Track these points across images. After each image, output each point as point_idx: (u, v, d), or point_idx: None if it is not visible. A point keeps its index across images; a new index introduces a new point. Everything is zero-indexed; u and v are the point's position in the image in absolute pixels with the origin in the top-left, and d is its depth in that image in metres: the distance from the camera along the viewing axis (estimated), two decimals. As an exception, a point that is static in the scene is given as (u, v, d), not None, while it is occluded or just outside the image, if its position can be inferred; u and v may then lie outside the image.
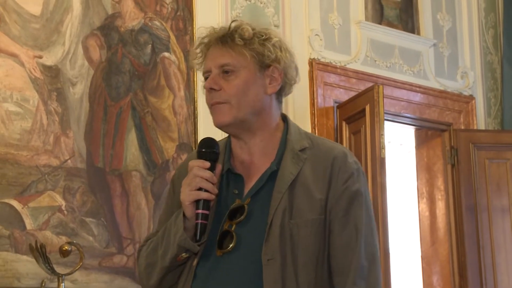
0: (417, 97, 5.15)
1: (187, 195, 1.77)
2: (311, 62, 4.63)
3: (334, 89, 4.72)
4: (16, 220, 3.40)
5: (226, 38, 1.85)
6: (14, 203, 3.42)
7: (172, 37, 4.05)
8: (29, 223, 3.43)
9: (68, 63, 3.69)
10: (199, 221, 1.78)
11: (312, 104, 4.59)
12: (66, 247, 3.30)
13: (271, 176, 1.83)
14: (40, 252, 3.24)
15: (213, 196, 1.79)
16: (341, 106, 4.68)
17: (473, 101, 5.43)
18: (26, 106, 3.52)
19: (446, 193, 5.20)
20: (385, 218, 4.30)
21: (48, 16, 3.66)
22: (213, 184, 1.79)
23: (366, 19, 4.98)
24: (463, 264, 5.06)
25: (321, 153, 1.85)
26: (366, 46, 4.94)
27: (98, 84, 3.75)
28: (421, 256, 5.31)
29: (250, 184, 1.84)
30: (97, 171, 3.68)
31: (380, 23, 5.08)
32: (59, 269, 3.28)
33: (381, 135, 4.35)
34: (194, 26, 4.13)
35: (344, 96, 4.72)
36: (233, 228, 1.80)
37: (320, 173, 1.82)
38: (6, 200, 3.40)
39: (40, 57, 3.60)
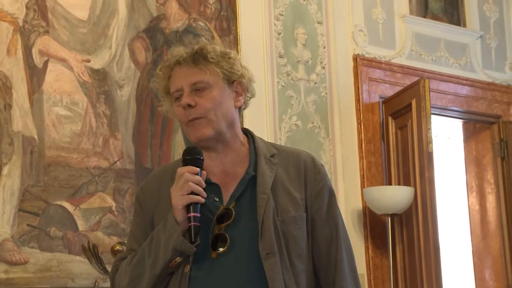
0: (464, 90, 5.08)
1: (179, 199, 1.86)
2: (356, 58, 4.61)
3: (379, 84, 4.70)
4: (68, 221, 3.48)
5: (197, 57, 1.94)
6: (66, 205, 3.49)
7: (216, 37, 4.08)
8: (81, 224, 3.50)
9: (115, 66, 3.75)
10: (192, 223, 1.86)
11: (357, 100, 4.57)
12: (117, 247, 3.35)
13: (250, 181, 1.94)
14: (92, 253, 3.30)
15: (203, 200, 1.88)
16: (386, 101, 4.65)
17: (523, 93, 5.34)
18: (76, 110, 3.59)
19: (496, 186, 5.13)
20: (434, 213, 4.26)
21: (95, 20, 3.73)
22: (202, 188, 1.88)
23: (411, 12, 4.94)
24: (515, 258, 4.99)
25: (290, 158, 2.00)
26: (411, 40, 4.90)
27: (144, 86, 3.81)
28: (472, 251, 5.25)
29: (227, 191, 1.94)
30: (146, 172, 3.73)
31: (424, 17, 5.03)
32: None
33: (428, 129, 4.31)
34: (238, 25, 4.16)
35: (389, 91, 4.69)
36: (222, 231, 1.89)
37: (293, 175, 1.97)
38: (59, 202, 3.47)
39: (88, 61, 3.67)
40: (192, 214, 1.86)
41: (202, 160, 1.92)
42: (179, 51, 1.97)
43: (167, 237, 1.87)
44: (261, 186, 1.91)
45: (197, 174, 1.88)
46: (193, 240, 1.86)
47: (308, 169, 1.97)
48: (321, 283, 1.95)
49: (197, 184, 1.87)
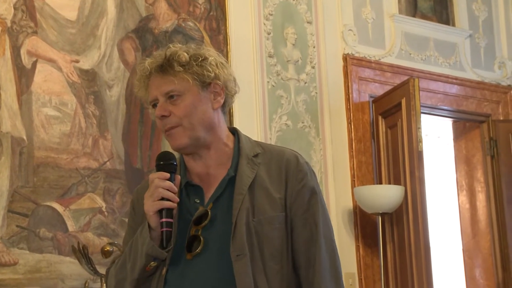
0: (454, 89, 5.10)
1: (150, 205, 1.87)
2: (345, 57, 4.61)
3: (369, 83, 4.70)
4: (58, 222, 3.47)
5: (165, 66, 1.93)
6: (56, 206, 3.48)
7: (206, 37, 4.07)
8: (71, 225, 3.49)
9: (104, 67, 3.74)
10: (164, 229, 1.87)
11: (347, 99, 4.58)
12: (107, 248, 3.34)
13: (229, 182, 1.94)
14: (82, 253, 3.29)
15: (175, 205, 1.88)
16: (376, 100, 4.66)
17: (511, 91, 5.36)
18: (65, 110, 3.58)
19: (486, 185, 5.14)
20: (425, 212, 4.28)
21: (84, 20, 3.72)
22: (173, 193, 1.88)
23: (400, 12, 4.95)
24: (506, 257, 5.00)
25: (273, 157, 1.98)
26: (400, 40, 4.91)
27: (134, 86, 3.80)
28: (463, 249, 5.26)
29: (209, 193, 1.95)
30: (136, 172, 3.72)
31: (414, 16, 5.05)
32: (101, 270, 3.33)
33: (418, 128, 4.32)
34: (227, 25, 4.15)
35: (379, 90, 4.70)
36: (199, 233, 1.90)
37: (275, 175, 1.95)
38: (48, 203, 3.46)
39: (77, 61, 3.66)
40: (164, 219, 1.86)
41: (175, 165, 1.92)
42: (144, 65, 1.96)
43: (141, 242, 1.89)
44: (238, 187, 1.91)
45: (168, 179, 1.88)
46: (164, 245, 1.87)
47: (290, 168, 1.95)
48: (301, 283, 1.92)
49: (168, 189, 1.87)
